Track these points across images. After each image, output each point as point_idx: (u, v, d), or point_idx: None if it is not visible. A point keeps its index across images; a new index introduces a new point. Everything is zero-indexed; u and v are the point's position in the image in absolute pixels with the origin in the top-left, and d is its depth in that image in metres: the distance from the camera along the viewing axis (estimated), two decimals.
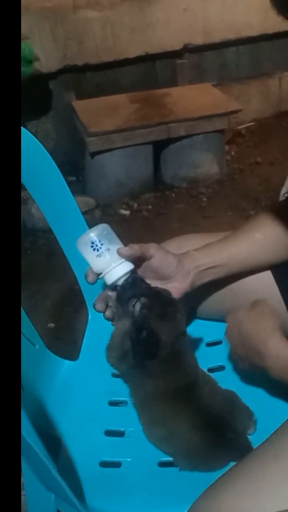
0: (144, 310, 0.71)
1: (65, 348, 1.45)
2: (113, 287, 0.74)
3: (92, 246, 0.72)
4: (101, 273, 0.73)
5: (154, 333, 0.70)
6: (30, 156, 0.80)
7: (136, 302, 0.72)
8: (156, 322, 0.71)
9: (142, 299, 0.72)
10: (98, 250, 0.72)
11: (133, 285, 0.73)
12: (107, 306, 0.76)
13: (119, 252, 0.71)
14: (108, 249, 0.72)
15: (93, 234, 0.72)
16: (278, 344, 0.71)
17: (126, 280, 0.73)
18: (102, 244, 0.72)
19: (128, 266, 0.73)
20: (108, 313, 0.76)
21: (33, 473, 0.69)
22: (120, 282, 0.73)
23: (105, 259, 0.72)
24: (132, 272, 0.73)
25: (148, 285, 0.75)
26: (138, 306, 0.71)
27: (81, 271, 0.91)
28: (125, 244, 0.74)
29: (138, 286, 0.73)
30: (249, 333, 0.76)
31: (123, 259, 0.72)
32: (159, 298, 0.73)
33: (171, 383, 0.73)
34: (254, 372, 0.75)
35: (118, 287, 0.73)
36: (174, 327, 0.73)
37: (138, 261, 0.75)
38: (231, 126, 2.39)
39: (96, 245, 0.72)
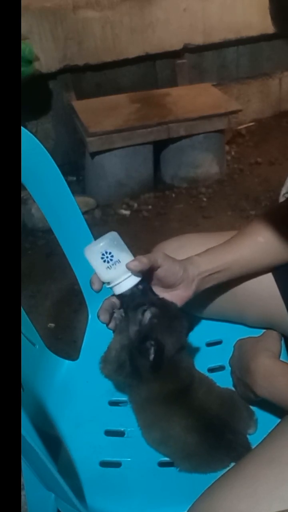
0: (154, 320, 0.71)
1: (65, 348, 1.45)
2: (120, 296, 0.74)
3: (102, 258, 0.71)
4: (107, 282, 0.73)
5: (161, 345, 0.70)
6: (30, 156, 0.80)
7: (146, 310, 0.71)
8: (162, 334, 0.71)
9: (153, 309, 0.71)
10: (108, 262, 0.70)
11: (144, 293, 0.72)
12: (111, 316, 0.75)
13: (128, 267, 0.70)
14: (119, 261, 0.71)
15: (103, 244, 0.71)
16: (266, 360, 0.72)
17: (136, 287, 0.72)
18: (112, 256, 0.71)
19: (137, 278, 0.72)
20: (111, 325, 0.76)
21: (33, 473, 0.69)
22: (128, 293, 0.72)
23: (115, 271, 0.71)
24: (141, 281, 0.73)
25: (157, 296, 0.75)
26: (148, 315, 0.71)
27: (81, 271, 0.92)
28: (131, 248, 0.74)
29: (149, 295, 0.73)
30: (245, 352, 0.76)
31: None
32: (168, 310, 0.73)
33: (166, 388, 0.73)
34: (249, 397, 0.75)
35: (127, 295, 0.72)
36: (177, 341, 0.73)
37: (146, 272, 0.74)
38: (231, 126, 2.39)
39: (107, 257, 0.70)
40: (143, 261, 0.71)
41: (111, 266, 0.71)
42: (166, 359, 0.71)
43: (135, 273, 0.71)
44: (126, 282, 0.71)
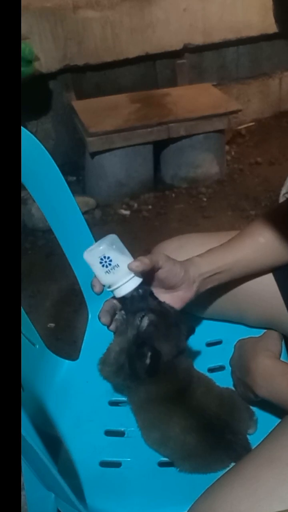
0: (151, 328, 0.71)
1: (65, 348, 1.45)
2: (121, 299, 0.73)
3: (101, 262, 0.70)
4: (108, 286, 0.72)
5: (158, 353, 0.70)
6: (30, 156, 0.80)
7: (144, 316, 0.71)
8: (159, 341, 0.71)
9: (151, 315, 0.71)
10: (107, 266, 0.70)
11: (143, 298, 0.72)
12: (112, 318, 0.75)
13: (129, 268, 0.70)
14: (118, 265, 0.70)
15: (102, 248, 0.70)
16: (265, 359, 0.72)
17: (137, 291, 0.71)
18: (111, 261, 0.70)
19: (137, 281, 0.72)
20: (112, 327, 0.75)
21: (33, 473, 0.69)
22: (128, 296, 0.72)
23: (114, 275, 0.70)
24: (141, 284, 0.72)
25: (158, 300, 0.75)
26: (145, 322, 0.71)
27: (81, 271, 0.92)
28: (131, 248, 0.73)
29: (148, 300, 0.73)
30: (245, 352, 0.76)
31: (133, 274, 0.71)
32: (166, 317, 0.73)
33: (165, 388, 0.73)
34: (249, 398, 0.75)
35: (128, 298, 0.72)
36: (175, 347, 0.73)
37: (147, 273, 0.74)
38: (231, 126, 2.39)
39: (105, 262, 0.70)
40: (145, 262, 0.71)
41: (110, 271, 0.70)
42: (162, 364, 0.71)
43: (136, 273, 0.71)
44: (126, 285, 0.71)
